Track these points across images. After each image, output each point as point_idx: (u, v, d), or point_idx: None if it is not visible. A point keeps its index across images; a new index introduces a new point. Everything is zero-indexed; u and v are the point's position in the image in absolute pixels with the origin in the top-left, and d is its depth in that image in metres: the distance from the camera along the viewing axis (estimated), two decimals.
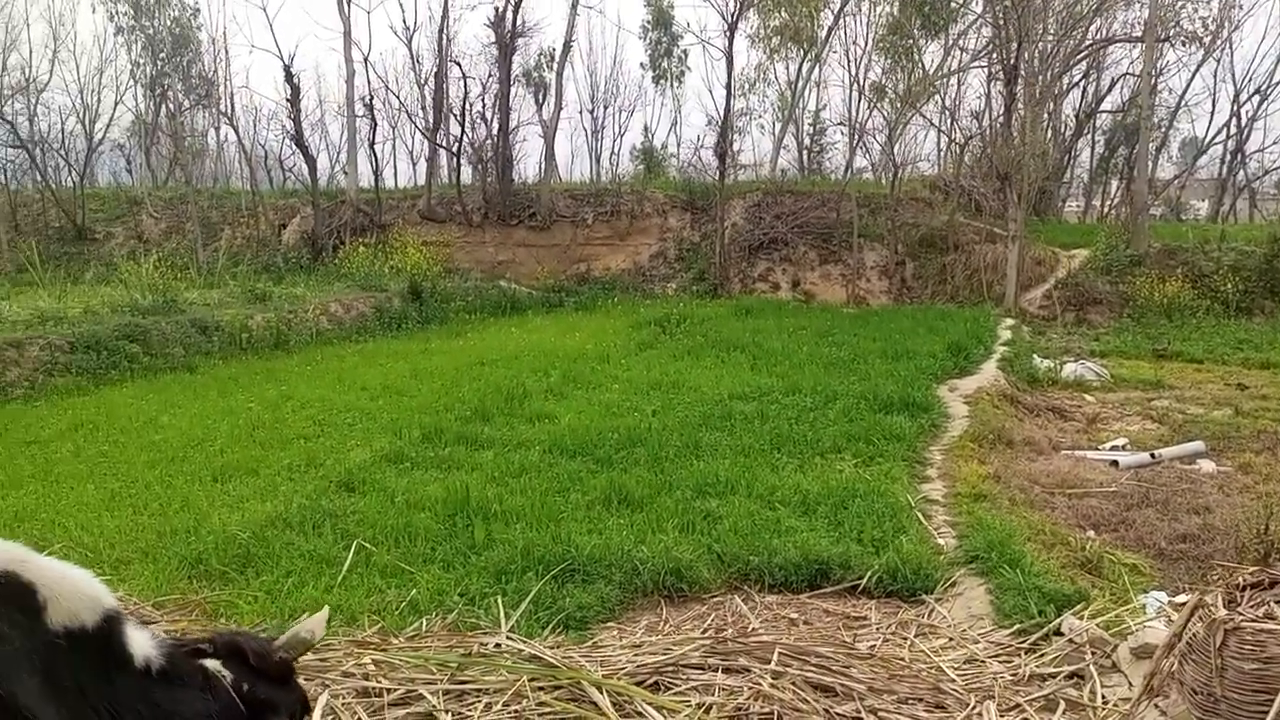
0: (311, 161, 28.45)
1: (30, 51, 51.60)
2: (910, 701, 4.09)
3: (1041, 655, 4.56)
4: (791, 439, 9.15)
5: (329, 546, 6.42)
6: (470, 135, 29.07)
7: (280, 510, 7.12)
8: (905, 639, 4.96)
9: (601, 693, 3.77)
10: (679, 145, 39.50)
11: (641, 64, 40.72)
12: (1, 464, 8.74)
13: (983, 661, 4.60)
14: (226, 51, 34.80)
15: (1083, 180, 37.02)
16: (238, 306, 17.41)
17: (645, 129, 41.10)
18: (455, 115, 29.33)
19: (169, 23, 35.51)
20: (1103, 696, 4.05)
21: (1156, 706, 3.71)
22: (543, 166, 30.13)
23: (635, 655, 4.35)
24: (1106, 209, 34.77)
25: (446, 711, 3.76)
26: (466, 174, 29.97)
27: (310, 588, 5.73)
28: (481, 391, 11.84)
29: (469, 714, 3.72)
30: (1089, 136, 34.41)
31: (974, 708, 3.99)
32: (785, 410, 10.44)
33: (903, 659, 4.60)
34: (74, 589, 1.97)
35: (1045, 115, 27.24)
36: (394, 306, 20.57)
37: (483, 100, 29.02)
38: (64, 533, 6.66)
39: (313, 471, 8.42)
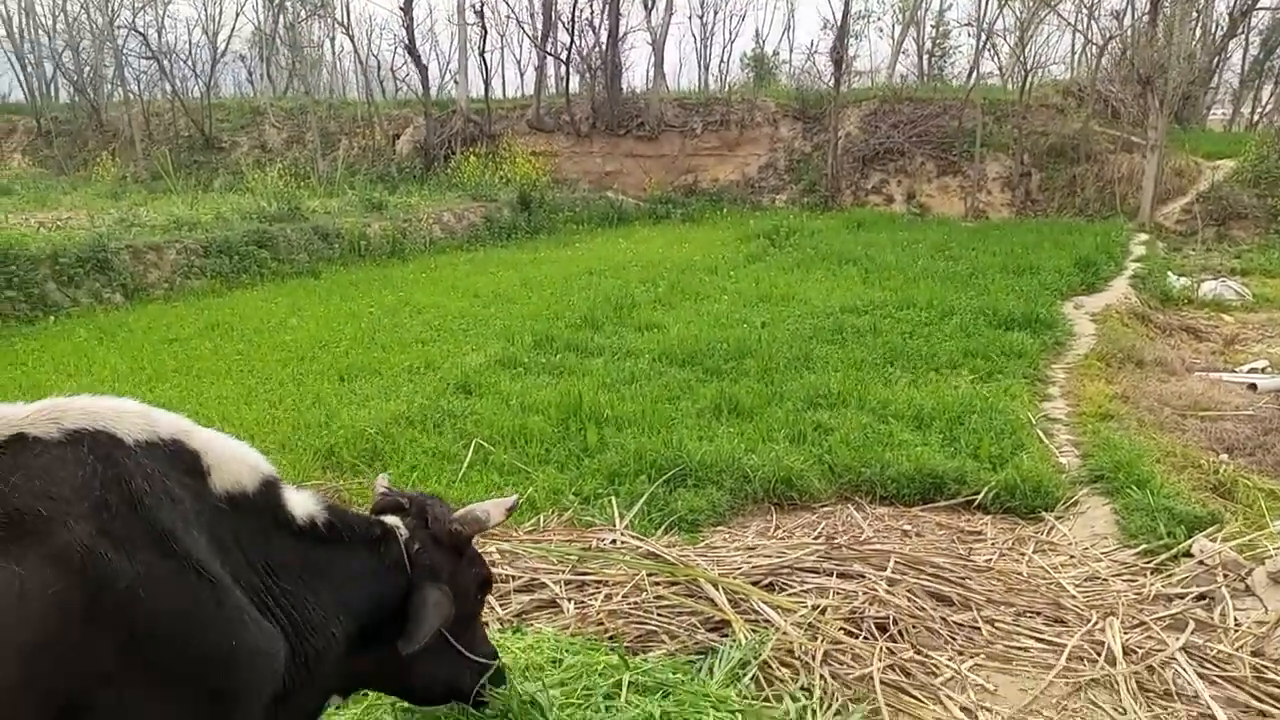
0: (423, 71, 28.69)
1: None
2: (1028, 615, 4.04)
3: (1169, 576, 4.42)
4: (905, 353, 8.96)
5: (449, 444, 6.69)
6: (579, 43, 28.74)
7: (403, 409, 7.42)
8: (1022, 555, 4.87)
9: (718, 590, 3.85)
10: (791, 51, 38.44)
11: None
12: (147, 359, 9.36)
13: (1105, 580, 4.49)
14: None
15: (1232, 85, 34.14)
16: (356, 215, 17.93)
17: (756, 35, 39.90)
18: (564, 23, 28.97)
19: None
20: (1235, 620, 3.91)
21: None
22: (651, 75, 29.68)
23: (749, 557, 4.41)
24: (1257, 117, 32.05)
25: (568, 600, 3.91)
26: (574, 84, 29.69)
27: (434, 482, 5.98)
28: (590, 301, 11.97)
29: (589, 603, 3.86)
30: (1242, 37, 31.48)
31: (1095, 624, 3.91)
32: (898, 324, 10.21)
33: (1020, 574, 4.54)
34: (235, 456, 2.08)
35: (1194, 13, 25.05)
36: (504, 216, 20.83)
37: (592, 6, 28.55)
38: (206, 424, 6.98)
39: (431, 374, 8.73)
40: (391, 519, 2.43)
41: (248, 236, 14.78)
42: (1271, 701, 3.33)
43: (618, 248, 18.09)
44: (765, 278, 13.60)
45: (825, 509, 5.86)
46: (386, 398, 7.90)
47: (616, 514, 5.30)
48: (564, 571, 4.16)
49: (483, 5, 30.25)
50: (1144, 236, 18.51)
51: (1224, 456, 6.60)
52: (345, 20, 32.01)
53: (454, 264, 16.34)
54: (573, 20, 28.49)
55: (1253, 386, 8.46)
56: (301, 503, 2.20)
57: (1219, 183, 20.84)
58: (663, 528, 5.29)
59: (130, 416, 1.89)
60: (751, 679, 3.38)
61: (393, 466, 6.30)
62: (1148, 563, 4.62)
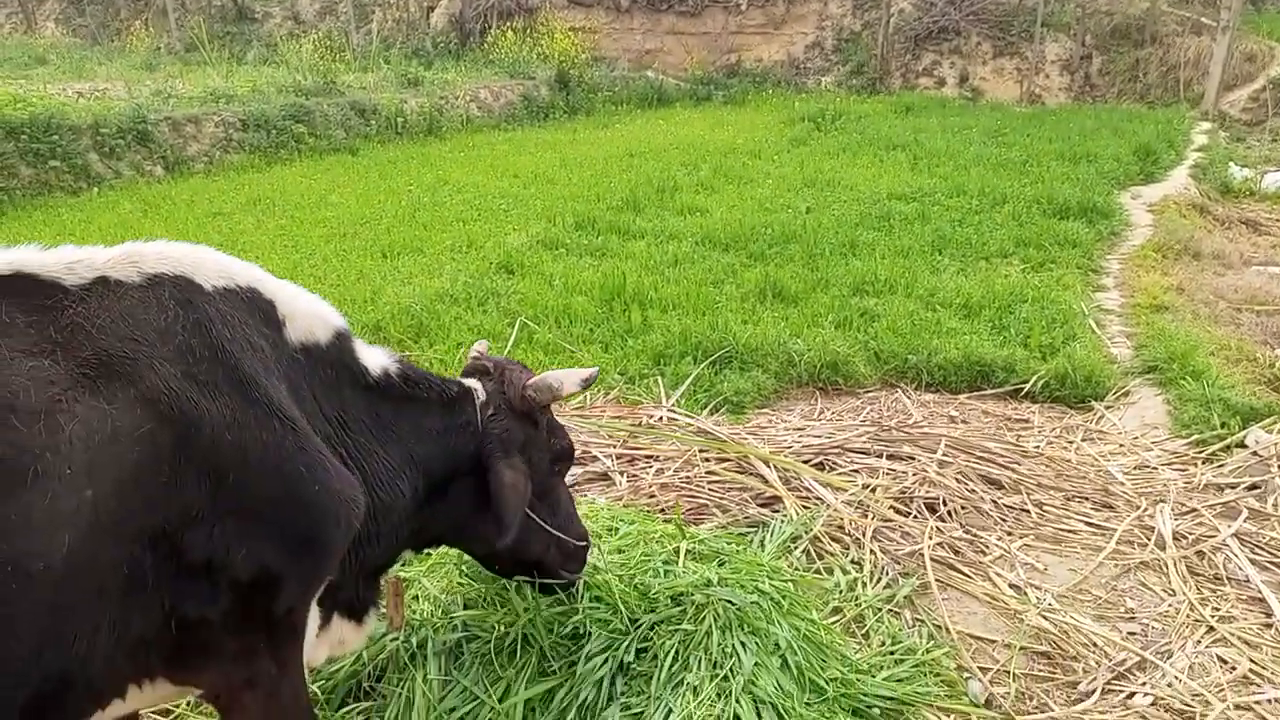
0: None
1: None
2: (1077, 499, 4.06)
3: (1221, 466, 4.40)
4: (954, 241, 8.78)
5: (494, 322, 6.72)
6: None
7: (446, 287, 7.45)
8: (1070, 443, 4.86)
9: (769, 467, 3.89)
10: None
11: None
12: (192, 233, 9.40)
13: (1154, 469, 4.48)
14: None
15: None
16: (392, 91, 17.59)
17: None
18: None
19: None
20: None
21: None
22: None
23: (799, 436, 4.44)
24: None
25: (620, 473, 3.98)
26: None
27: None
28: (631, 183, 11.80)
29: (641, 476, 3.93)
30: None
31: (1145, 510, 3.92)
32: (948, 212, 9.96)
33: (1069, 460, 4.53)
34: (308, 308, 2.07)
35: None
36: (541, 95, 20.37)
37: None
38: None
39: (473, 253, 8.73)
40: (472, 381, 2.43)
41: (284, 111, 14.58)
42: None
43: (658, 129, 17.67)
44: (810, 162, 13.26)
45: (870, 395, 5.86)
46: (430, 275, 7.93)
47: (663, 393, 5.34)
48: (614, 446, 4.21)
49: None
50: (1206, 125, 17.72)
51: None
52: None
53: (492, 143, 16.10)
54: None
55: None
56: (375, 357, 2.20)
57: None
58: (708, 408, 5.32)
59: (207, 263, 1.89)
60: (803, 552, 3.45)
61: (439, 343, 6.37)
62: (1199, 453, 4.59)
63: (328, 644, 2.25)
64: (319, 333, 2.06)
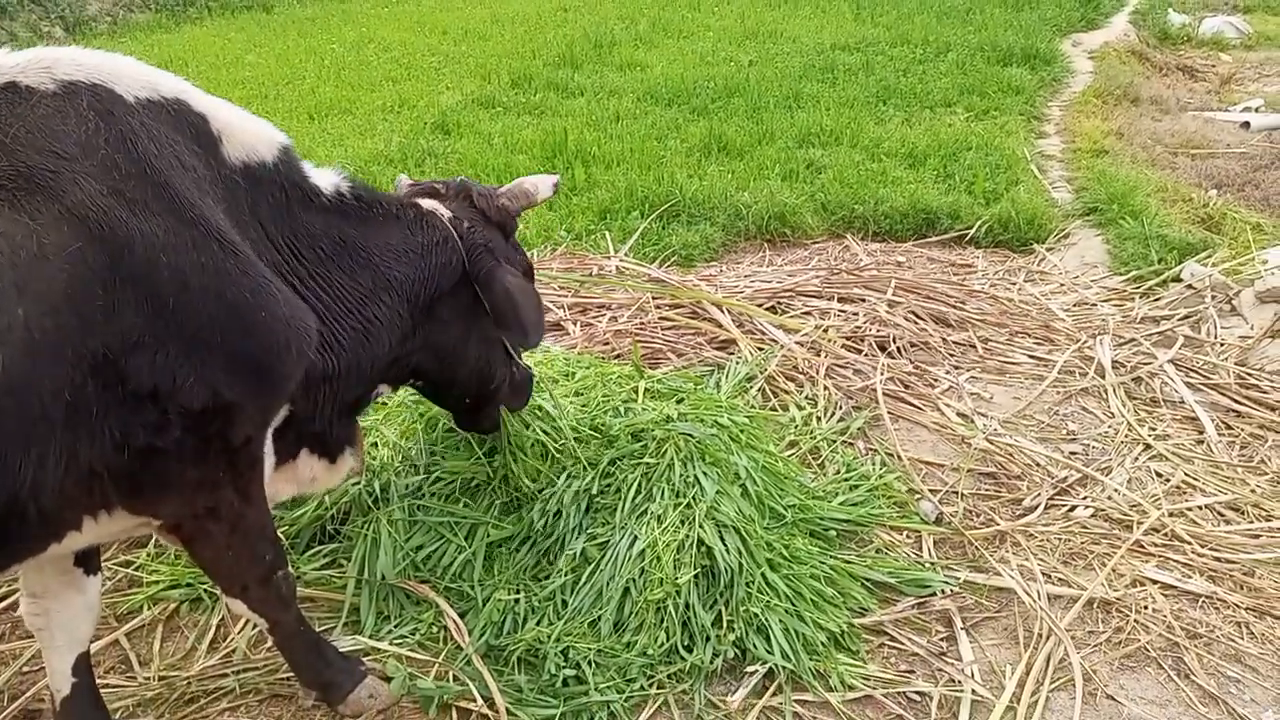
0: None
1: None
2: (1021, 335, 4.15)
3: (1157, 300, 4.52)
4: (899, 91, 8.67)
5: None
6: None
7: (381, 148, 7.17)
8: (1014, 284, 4.94)
9: (722, 311, 3.89)
10: None
11: None
12: None
13: (1094, 305, 4.59)
14: None
15: None
16: None
17: None
18: None
19: None
20: (1221, 337, 4.04)
21: None
22: None
23: (751, 283, 4.44)
24: None
25: (574, 322, 3.94)
26: None
27: None
28: (567, 38, 11.37)
29: (595, 324, 3.90)
30: None
31: (1085, 342, 4.03)
32: (892, 62, 9.81)
33: (1012, 300, 4.61)
34: (245, 123, 1.90)
35: None
36: None
37: None
38: None
39: (406, 112, 8.40)
40: (428, 201, 2.31)
41: None
42: (1250, 404, 3.51)
43: None
44: (751, 14, 12.88)
45: (818, 245, 5.85)
46: (362, 136, 7.63)
47: (610, 246, 5.26)
48: (567, 296, 4.16)
49: None
50: None
51: (1213, 192, 6.60)
52: None
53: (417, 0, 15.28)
54: None
55: (1246, 125, 8.35)
56: (325, 176, 2.06)
57: None
58: (657, 262, 5.27)
59: (128, 72, 1.72)
60: (758, 391, 3.49)
61: None
62: (1137, 289, 4.70)
63: (294, 481, 2.17)
64: (262, 150, 1.90)
